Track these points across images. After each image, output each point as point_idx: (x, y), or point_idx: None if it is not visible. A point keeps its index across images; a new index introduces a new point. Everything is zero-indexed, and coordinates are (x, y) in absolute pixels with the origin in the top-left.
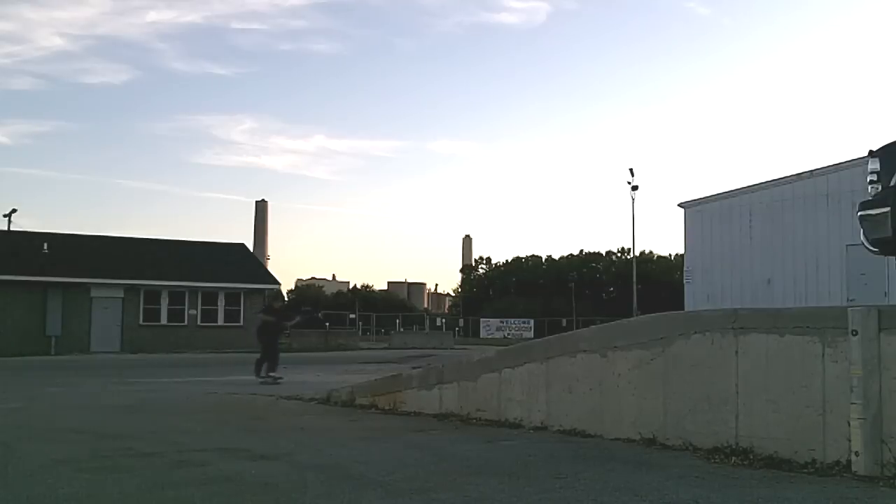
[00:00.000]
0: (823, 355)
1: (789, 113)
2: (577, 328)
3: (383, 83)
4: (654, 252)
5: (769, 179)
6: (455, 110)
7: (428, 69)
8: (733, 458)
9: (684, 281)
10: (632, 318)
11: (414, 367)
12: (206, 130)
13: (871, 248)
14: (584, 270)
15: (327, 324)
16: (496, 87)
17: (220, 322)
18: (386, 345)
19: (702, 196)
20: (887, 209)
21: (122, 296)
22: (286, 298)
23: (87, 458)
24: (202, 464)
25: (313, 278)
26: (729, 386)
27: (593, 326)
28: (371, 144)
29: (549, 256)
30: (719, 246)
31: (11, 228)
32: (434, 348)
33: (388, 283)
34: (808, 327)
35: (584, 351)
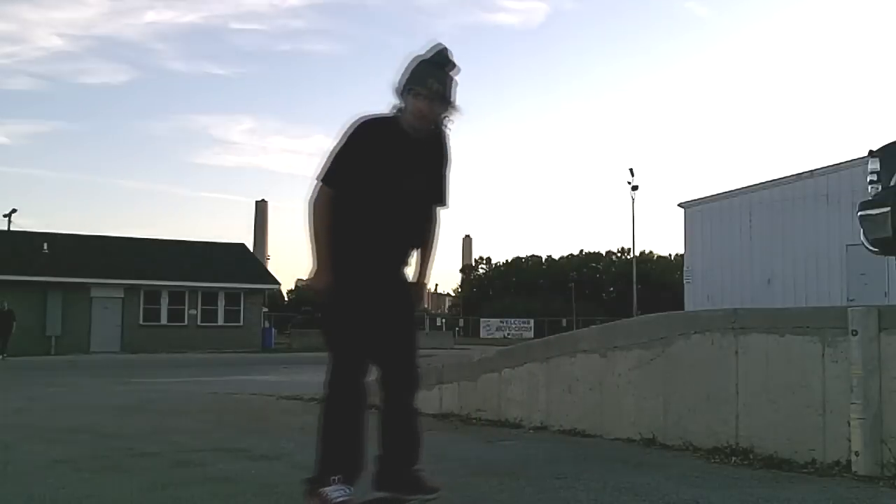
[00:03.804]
0: (823, 355)
1: (789, 113)
2: (577, 328)
3: (382, 83)
4: (654, 252)
5: (769, 179)
6: None
7: None
8: (733, 458)
9: (684, 281)
10: (632, 318)
11: None
12: (205, 130)
13: (871, 248)
14: (584, 270)
15: None
16: (495, 88)
17: (220, 322)
18: None
19: (702, 196)
20: (887, 209)
21: (122, 296)
22: (286, 298)
23: (87, 458)
24: (202, 464)
25: None
26: (729, 386)
27: (593, 326)
28: None
29: (549, 256)
30: (719, 246)
31: (11, 228)
32: (434, 348)
33: None
34: (808, 327)
35: (584, 351)
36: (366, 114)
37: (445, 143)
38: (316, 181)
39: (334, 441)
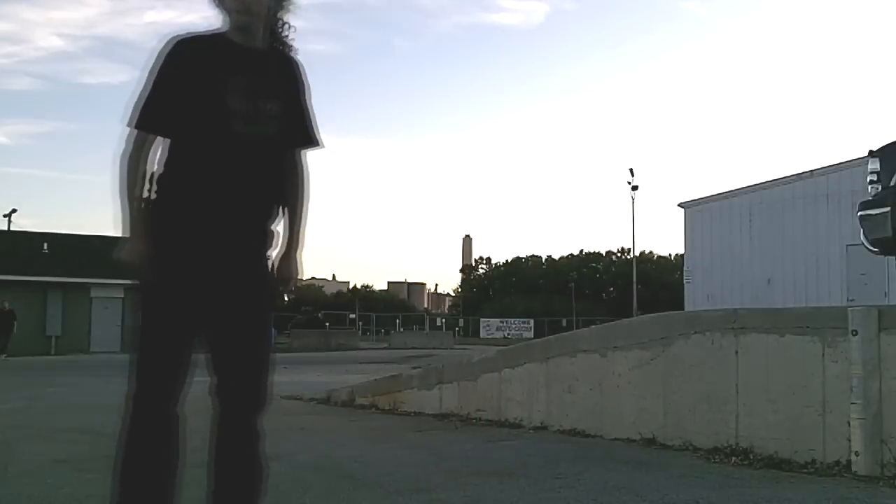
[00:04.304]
0: (823, 355)
1: (789, 113)
2: (577, 328)
3: (382, 83)
4: (654, 252)
5: (769, 179)
6: (454, 110)
7: (427, 69)
8: (733, 458)
9: (684, 281)
10: (632, 318)
11: (414, 367)
12: None
13: (871, 248)
14: (584, 270)
15: (327, 324)
16: (495, 87)
17: None
18: (386, 345)
19: (702, 196)
20: (887, 209)
21: (122, 296)
22: (286, 298)
23: (87, 458)
24: (202, 464)
25: (313, 278)
26: (729, 386)
27: (593, 326)
28: (370, 144)
29: (549, 256)
30: (719, 246)
31: (11, 228)
32: (434, 348)
33: (388, 283)
34: (808, 327)
35: (584, 351)
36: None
37: (296, 64)
38: (126, 128)
39: (134, 479)
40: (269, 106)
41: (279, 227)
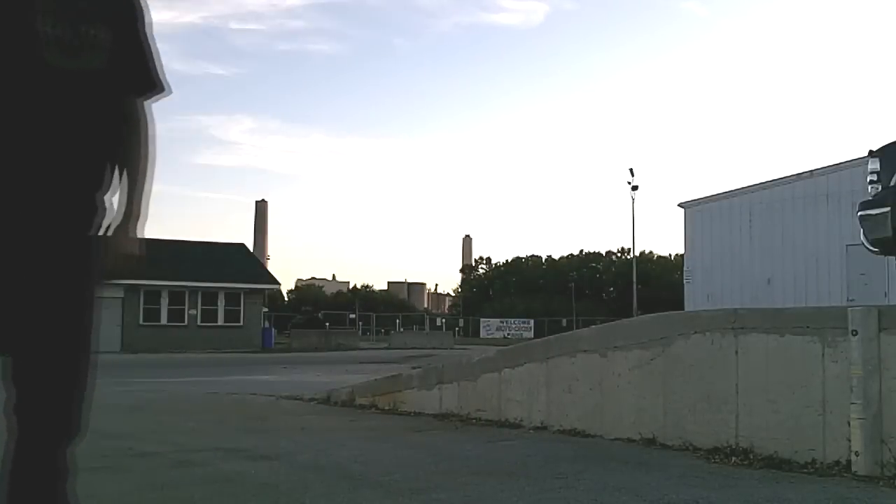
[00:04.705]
0: (823, 355)
1: (789, 113)
2: (577, 328)
3: (382, 83)
4: (654, 252)
5: (769, 179)
6: (454, 110)
7: (427, 69)
8: (733, 458)
9: (684, 281)
10: (632, 318)
11: (414, 367)
12: (206, 130)
13: (871, 248)
14: (584, 270)
15: (327, 324)
16: (496, 87)
17: (220, 322)
18: (386, 345)
19: (702, 196)
20: (887, 209)
21: (122, 296)
22: (286, 298)
23: (86, 457)
24: (202, 464)
25: (313, 278)
26: (729, 386)
27: (593, 326)
28: (370, 144)
29: (549, 256)
30: (719, 246)
31: None
32: (434, 348)
33: (388, 283)
34: (808, 327)
35: (584, 351)
36: None
37: None
38: None
39: None
40: (93, 32)
41: (114, 197)
